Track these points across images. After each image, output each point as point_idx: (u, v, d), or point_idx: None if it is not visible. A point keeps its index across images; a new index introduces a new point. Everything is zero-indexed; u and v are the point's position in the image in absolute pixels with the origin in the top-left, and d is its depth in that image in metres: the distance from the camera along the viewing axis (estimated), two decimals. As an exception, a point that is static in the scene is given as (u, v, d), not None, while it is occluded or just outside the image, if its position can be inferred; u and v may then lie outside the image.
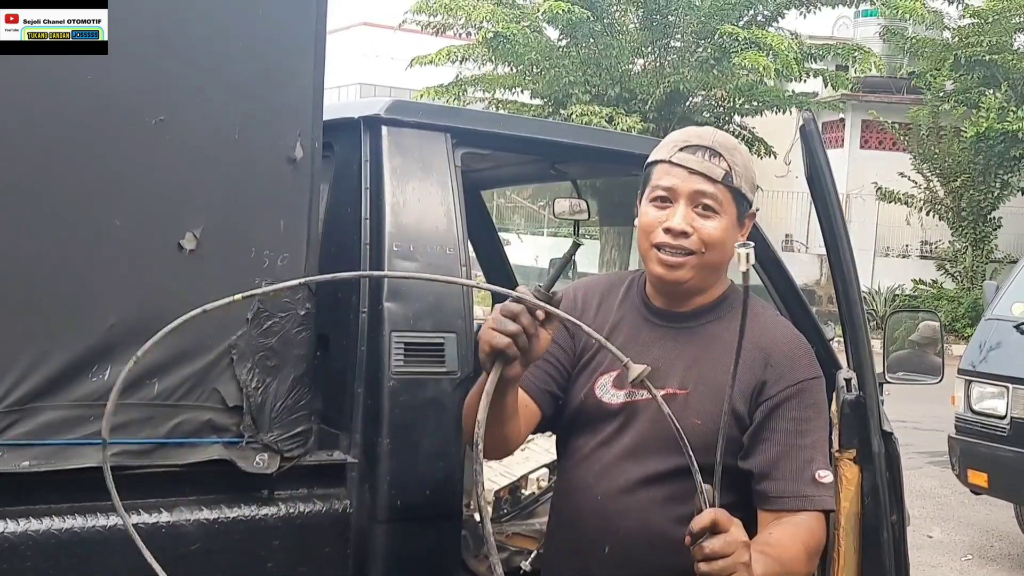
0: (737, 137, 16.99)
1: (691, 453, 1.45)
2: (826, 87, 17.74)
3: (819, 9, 16.03)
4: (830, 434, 1.93)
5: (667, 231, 1.74)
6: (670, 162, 1.77)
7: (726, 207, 1.75)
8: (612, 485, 1.79)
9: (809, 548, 1.68)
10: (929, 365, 2.69)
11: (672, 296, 1.84)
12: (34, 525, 1.70)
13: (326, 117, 2.02)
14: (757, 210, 1.87)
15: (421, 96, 15.59)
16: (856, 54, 16.27)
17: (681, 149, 1.78)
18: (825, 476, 1.72)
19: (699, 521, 1.43)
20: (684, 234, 1.74)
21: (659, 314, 1.85)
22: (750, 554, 1.45)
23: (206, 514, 1.85)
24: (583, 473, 1.84)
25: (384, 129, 2.15)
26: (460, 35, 17.02)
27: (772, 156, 17.23)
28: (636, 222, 1.83)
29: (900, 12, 16.26)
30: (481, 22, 15.38)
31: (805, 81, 16.77)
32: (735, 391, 1.69)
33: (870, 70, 16.17)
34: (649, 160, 1.84)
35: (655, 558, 1.75)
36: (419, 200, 2.15)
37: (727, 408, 1.53)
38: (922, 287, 17.86)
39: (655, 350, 1.80)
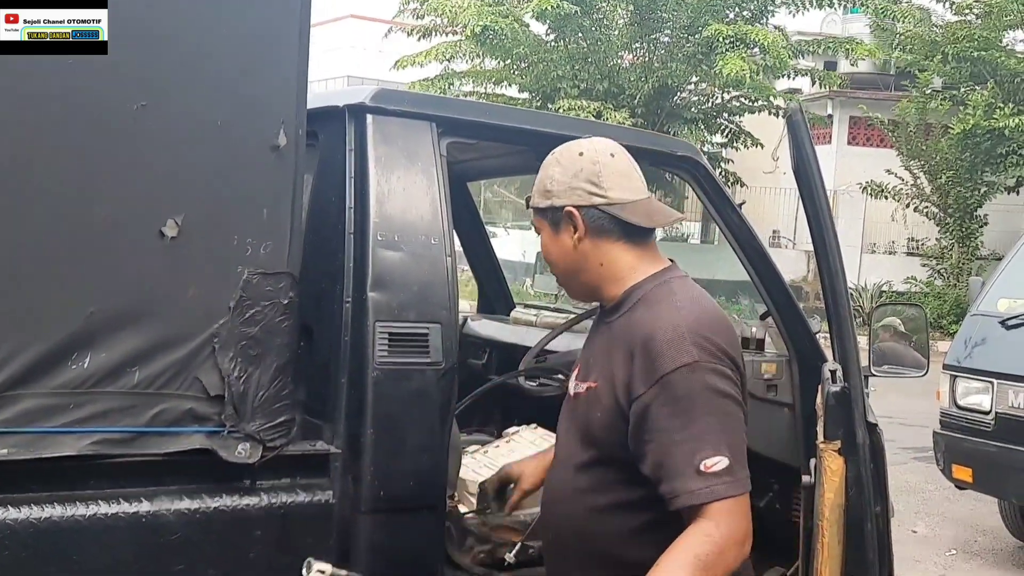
0: (723, 129, 17.08)
1: None
2: (814, 85, 17.77)
3: (807, 10, 16.07)
4: (815, 425, 1.94)
5: None
6: None
7: (539, 225, 1.87)
8: (557, 474, 1.90)
9: (704, 557, 1.57)
10: (913, 358, 2.70)
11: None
12: (12, 514, 1.68)
13: (311, 106, 2.00)
14: (566, 208, 1.82)
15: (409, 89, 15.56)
16: (846, 46, 16.29)
17: None
18: (714, 464, 1.61)
19: None
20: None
21: (601, 314, 1.93)
22: None
23: (187, 504, 1.84)
24: (552, 459, 1.98)
25: (369, 117, 2.13)
26: (447, 33, 16.98)
27: (759, 147, 17.31)
28: None
29: (886, 12, 16.29)
30: (468, 20, 15.34)
31: (793, 79, 16.79)
32: (616, 380, 1.73)
33: (857, 61, 16.12)
34: None
35: (578, 546, 1.81)
36: (404, 189, 2.14)
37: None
38: (911, 282, 17.93)
39: (592, 346, 1.91)
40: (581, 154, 1.81)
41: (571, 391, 1.90)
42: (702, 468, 1.60)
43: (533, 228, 1.90)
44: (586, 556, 1.80)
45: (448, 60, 16.59)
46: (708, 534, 1.59)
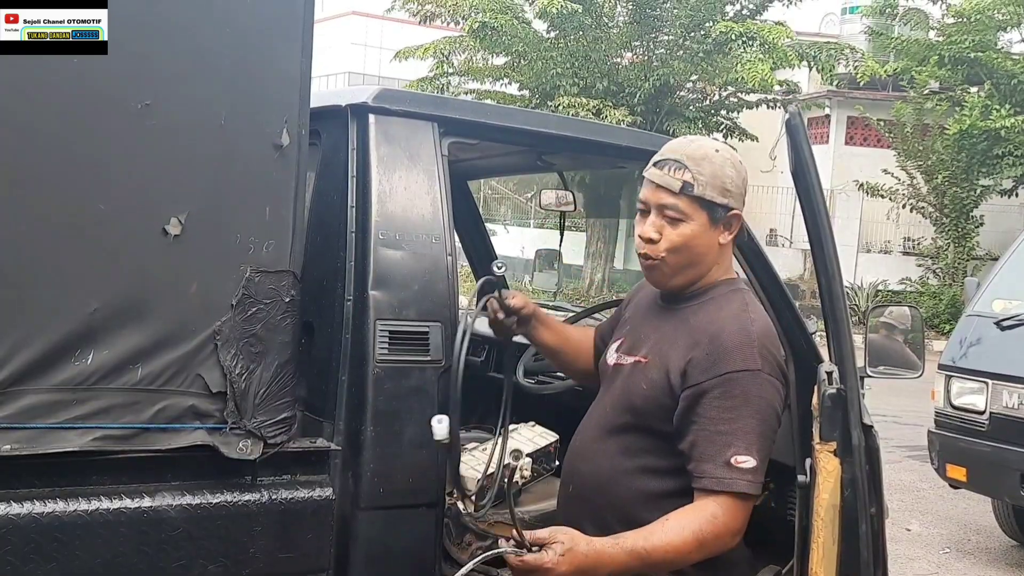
0: (720, 127, 17.05)
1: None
2: (811, 70, 17.76)
3: (800, 1, 16.04)
4: (810, 426, 1.95)
5: (640, 237, 1.98)
6: (644, 176, 2.00)
7: (691, 214, 1.94)
8: (587, 434, 2.08)
9: (703, 534, 1.78)
10: (909, 359, 2.71)
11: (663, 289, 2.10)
12: (15, 509, 1.69)
13: (313, 104, 2.01)
14: (735, 211, 1.99)
15: (409, 88, 15.54)
16: (848, 54, 16.28)
17: (654, 164, 1.98)
18: (744, 461, 1.80)
19: None
20: (651, 241, 1.96)
21: (662, 297, 2.10)
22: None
23: (188, 500, 1.85)
24: (582, 423, 2.13)
25: (371, 117, 2.14)
26: (448, 23, 16.95)
27: (754, 140, 17.34)
28: None
29: (883, 11, 16.30)
30: (469, 12, 15.32)
31: (797, 68, 16.74)
32: (671, 361, 1.92)
33: (865, 76, 16.12)
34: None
35: (598, 502, 1.99)
36: (405, 189, 2.15)
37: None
38: (907, 282, 17.97)
39: (647, 325, 2.09)
40: (740, 163, 2.01)
41: (611, 361, 2.09)
42: (732, 461, 1.80)
43: (672, 212, 1.94)
44: (605, 513, 1.97)
45: (446, 57, 16.58)
46: (715, 516, 1.79)
